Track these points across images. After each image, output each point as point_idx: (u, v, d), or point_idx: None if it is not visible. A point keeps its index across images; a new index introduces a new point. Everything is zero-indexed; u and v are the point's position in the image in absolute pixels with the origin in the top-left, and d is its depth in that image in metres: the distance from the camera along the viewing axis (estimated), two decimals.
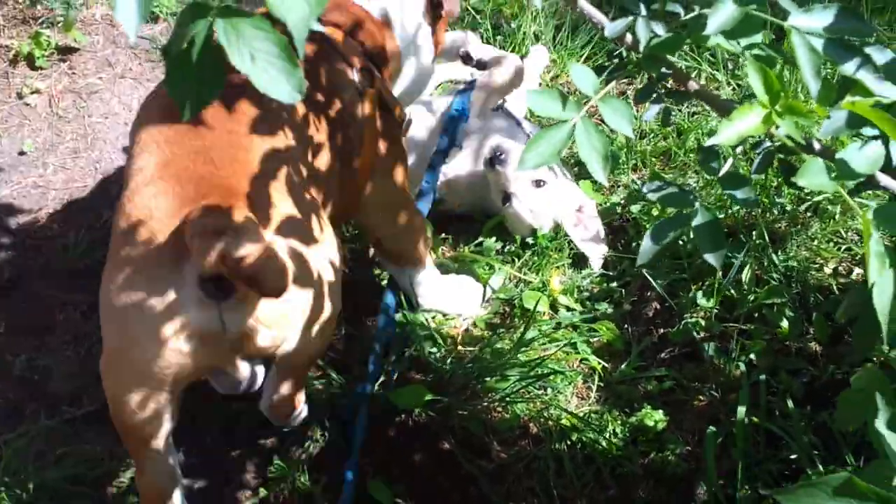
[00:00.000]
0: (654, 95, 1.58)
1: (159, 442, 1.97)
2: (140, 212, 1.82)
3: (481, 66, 3.09)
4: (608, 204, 3.00)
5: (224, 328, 1.80)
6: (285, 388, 2.17)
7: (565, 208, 2.82)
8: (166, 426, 1.95)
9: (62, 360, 2.64)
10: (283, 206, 1.89)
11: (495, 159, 2.76)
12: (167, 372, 1.83)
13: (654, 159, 3.12)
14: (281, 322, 1.89)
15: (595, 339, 2.64)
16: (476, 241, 2.87)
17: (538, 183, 2.78)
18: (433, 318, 2.65)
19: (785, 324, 2.56)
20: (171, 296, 1.75)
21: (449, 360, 2.55)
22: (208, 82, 1.15)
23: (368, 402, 2.40)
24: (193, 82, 1.14)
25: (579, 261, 2.84)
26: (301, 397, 2.25)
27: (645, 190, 1.56)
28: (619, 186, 3.08)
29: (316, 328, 1.99)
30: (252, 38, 1.08)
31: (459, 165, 2.90)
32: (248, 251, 1.65)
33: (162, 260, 1.77)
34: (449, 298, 2.69)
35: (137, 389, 1.86)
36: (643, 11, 1.40)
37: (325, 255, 1.98)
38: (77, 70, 3.54)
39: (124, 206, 1.86)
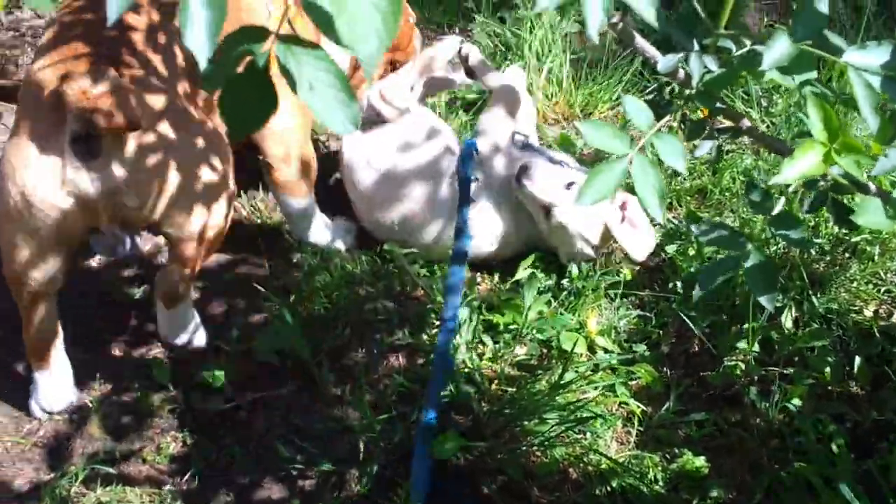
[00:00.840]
0: (706, 131, 1.55)
1: (46, 294, 2.29)
2: (36, 81, 2.14)
3: (472, 73, 3.10)
4: None
5: (93, 187, 2.09)
6: (172, 268, 2.42)
7: (608, 205, 2.76)
8: (53, 280, 2.24)
9: None
10: (156, 88, 2.20)
11: (522, 175, 2.72)
12: (48, 224, 2.12)
13: (688, 198, 3.08)
14: (145, 187, 2.16)
15: (633, 382, 2.60)
16: (513, 280, 2.83)
17: (569, 185, 2.75)
18: (470, 358, 2.61)
19: (827, 368, 2.49)
20: (51, 155, 2.08)
21: (486, 403, 2.50)
22: (262, 105, 1.14)
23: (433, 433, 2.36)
24: (247, 106, 1.13)
25: (615, 300, 2.79)
26: (189, 295, 2.55)
27: (694, 231, 1.52)
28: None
29: (191, 203, 2.25)
30: (312, 67, 1.07)
31: (502, 219, 2.86)
32: (105, 87, 2.00)
33: (45, 123, 2.09)
34: (326, 232, 2.93)
35: (24, 242, 2.16)
36: (695, 47, 1.37)
37: (201, 141, 2.24)
38: None
39: (28, 75, 2.22)
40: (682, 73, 1.42)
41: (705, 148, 1.60)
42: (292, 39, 1.09)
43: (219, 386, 2.57)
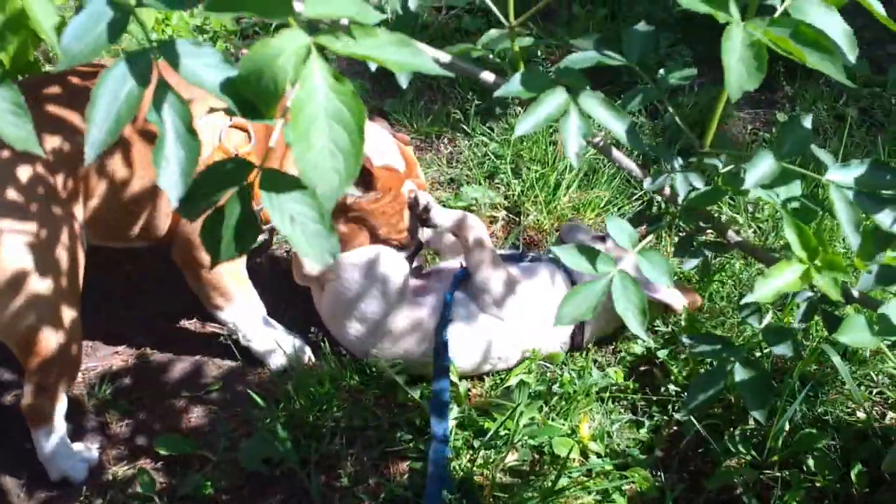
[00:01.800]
0: (694, 247, 1.59)
1: None
2: None
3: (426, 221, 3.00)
4: (633, 351, 2.98)
5: None
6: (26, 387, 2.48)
7: None
8: None
9: None
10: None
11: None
12: None
13: None
14: None
15: (628, 487, 2.58)
16: (505, 385, 2.84)
17: (603, 238, 2.95)
18: (461, 465, 2.60)
19: (825, 471, 2.50)
20: None
21: None
22: (245, 234, 1.19)
23: None
24: (228, 234, 1.18)
25: (606, 403, 2.80)
26: (52, 418, 2.52)
27: (685, 342, 1.55)
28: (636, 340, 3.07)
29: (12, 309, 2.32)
30: (291, 201, 1.12)
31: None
32: None
33: None
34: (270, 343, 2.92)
35: None
36: (678, 165, 1.42)
37: (32, 243, 2.30)
38: None
39: None
40: (667, 190, 1.46)
41: (693, 263, 1.64)
42: (275, 175, 1.14)
43: (205, 497, 2.54)
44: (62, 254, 2.39)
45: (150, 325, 3.13)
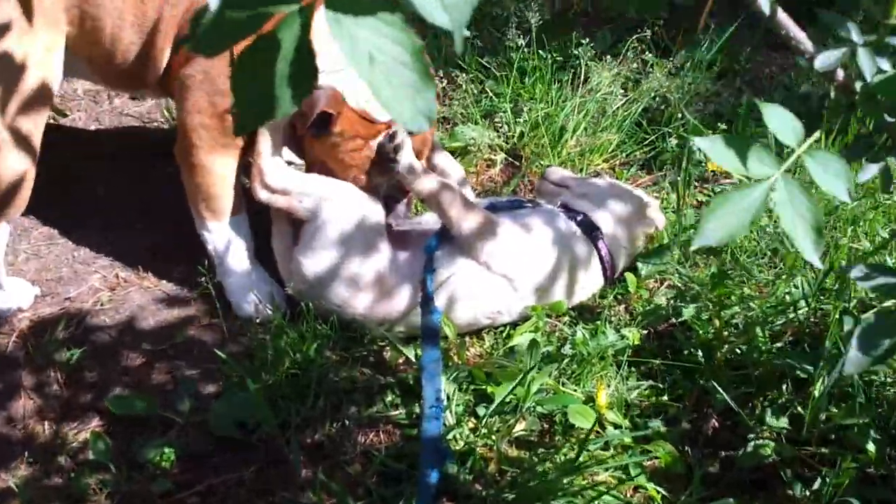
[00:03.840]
0: (872, 150, 1.30)
1: None
2: None
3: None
4: (651, 305, 2.73)
5: None
6: None
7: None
8: None
9: None
10: None
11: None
12: None
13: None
14: None
15: (649, 462, 2.34)
16: (508, 346, 2.58)
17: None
18: (461, 434, 2.34)
19: (871, 447, 2.27)
20: None
21: (482, 486, 2.24)
22: (296, 83, 0.86)
23: None
24: (270, 83, 0.84)
25: (622, 368, 2.55)
26: None
27: (852, 276, 1.27)
28: (662, 284, 2.83)
29: None
30: (371, 30, 0.79)
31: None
32: None
33: None
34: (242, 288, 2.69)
35: None
36: (860, 40, 1.13)
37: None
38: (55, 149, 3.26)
39: None
40: (840, 74, 1.18)
41: (870, 172, 1.35)
42: None
43: (167, 465, 2.27)
44: (30, 76, 2.40)
45: (120, 257, 2.85)
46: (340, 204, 2.57)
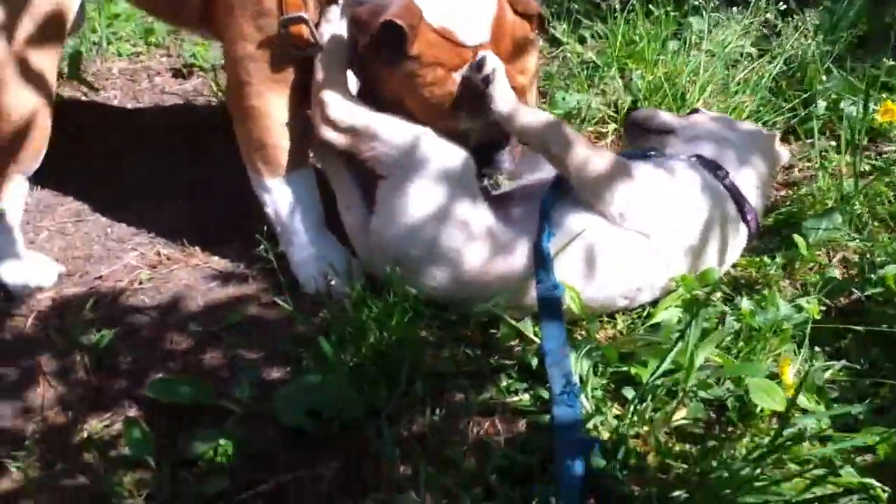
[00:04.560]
0: None
1: None
2: None
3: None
4: (826, 275, 2.22)
5: None
6: None
7: None
8: None
9: None
10: None
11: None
12: None
13: None
14: None
15: (861, 458, 1.80)
16: (649, 323, 2.07)
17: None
18: (603, 422, 1.82)
19: None
20: None
21: (638, 485, 1.71)
22: None
23: None
24: None
25: (803, 346, 2.02)
26: None
27: None
28: (833, 256, 2.32)
29: None
30: None
31: None
32: None
33: None
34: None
35: None
36: None
37: None
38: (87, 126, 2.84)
39: None
40: None
41: None
42: None
43: (223, 460, 1.77)
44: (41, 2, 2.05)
45: (162, 234, 2.42)
46: (425, 154, 2.08)
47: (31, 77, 2.08)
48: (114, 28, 3.33)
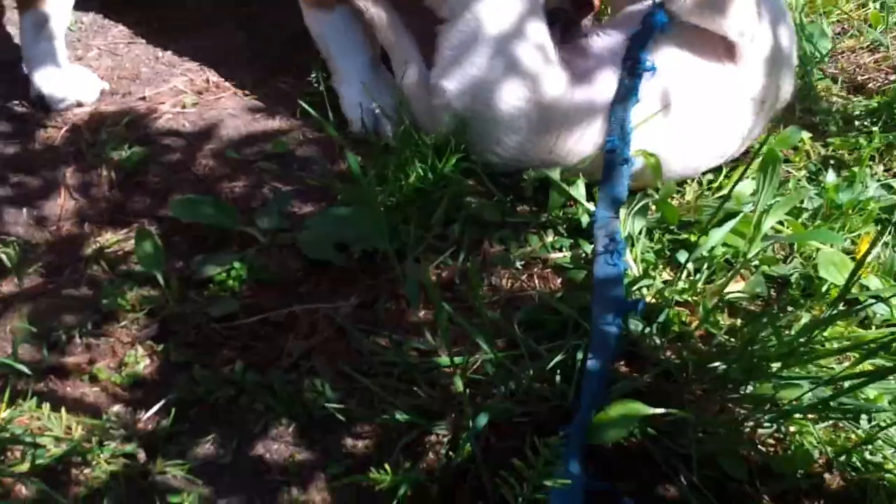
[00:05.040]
0: None
1: None
2: None
3: None
4: None
5: None
6: None
7: None
8: None
9: None
10: None
11: None
12: None
13: None
14: None
15: None
16: (717, 195, 1.90)
17: None
18: (651, 287, 1.67)
19: None
20: None
21: (678, 353, 1.56)
22: None
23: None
24: None
25: (890, 229, 1.83)
26: None
27: None
28: None
29: None
30: None
31: None
32: None
33: None
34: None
35: None
36: None
37: None
38: None
39: None
40: None
41: None
42: None
43: (234, 284, 1.68)
44: None
45: (214, 63, 2.32)
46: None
47: None
48: None
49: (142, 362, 1.57)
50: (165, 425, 1.47)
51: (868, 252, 1.43)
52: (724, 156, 1.93)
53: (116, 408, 1.50)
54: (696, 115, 1.86)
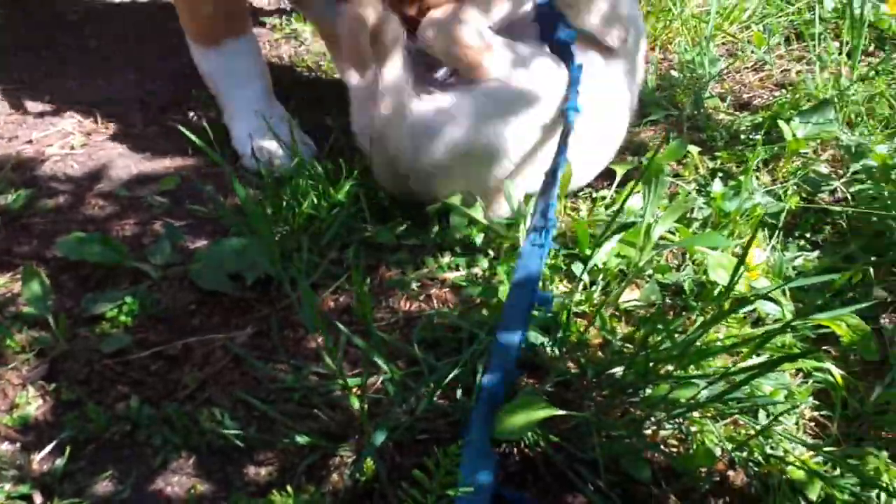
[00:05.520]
0: None
1: None
2: None
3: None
4: (811, 167, 2.06)
5: None
6: None
7: None
8: None
9: None
10: None
11: None
12: None
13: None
14: None
15: (824, 346, 1.66)
16: (613, 208, 1.93)
17: None
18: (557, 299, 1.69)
19: None
20: None
21: (579, 357, 1.58)
22: None
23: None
24: None
25: (774, 236, 1.88)
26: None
27: None
28: (823, 152, 2.16)
29: None
30: None
31: None
32: None
33: None
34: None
35: None
36: None
37: None
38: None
39: None
40: None
41: None
42: None
43: (126, 320, 1.65)
44: None
45: (104, 103, 2.29)
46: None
47: None
48: None
49: (33, 403, 1.53)
50: (60, 465, 1.43)
51: (748, 249, 1.46)
52: (610, 157, 1.96)
53: (8, 448, 1.46)
54: (596, 115, 1.88)
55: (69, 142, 2.14)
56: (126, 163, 2.09)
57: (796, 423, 1.52)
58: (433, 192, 1.82)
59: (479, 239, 1.83)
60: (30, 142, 2.15)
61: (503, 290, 1.70)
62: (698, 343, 1.48)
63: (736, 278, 1.47)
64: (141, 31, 2.60)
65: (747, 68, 2.59)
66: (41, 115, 2.26)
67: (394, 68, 1.76)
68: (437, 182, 1.80)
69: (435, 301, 1.74)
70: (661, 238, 1.78)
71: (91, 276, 1.77)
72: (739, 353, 1.59)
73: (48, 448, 1.46)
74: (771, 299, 1.71)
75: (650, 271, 1.78)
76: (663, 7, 2.66)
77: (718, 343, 1.56)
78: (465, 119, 1.75)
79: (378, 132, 1.77)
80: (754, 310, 1.69)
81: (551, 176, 1.72)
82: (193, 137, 1.82)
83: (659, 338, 1.51)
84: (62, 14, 2.65)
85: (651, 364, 1.47)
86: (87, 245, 1.79)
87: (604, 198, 2.00)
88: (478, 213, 1.86)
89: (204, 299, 1.72)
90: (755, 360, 1.53)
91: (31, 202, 1.94)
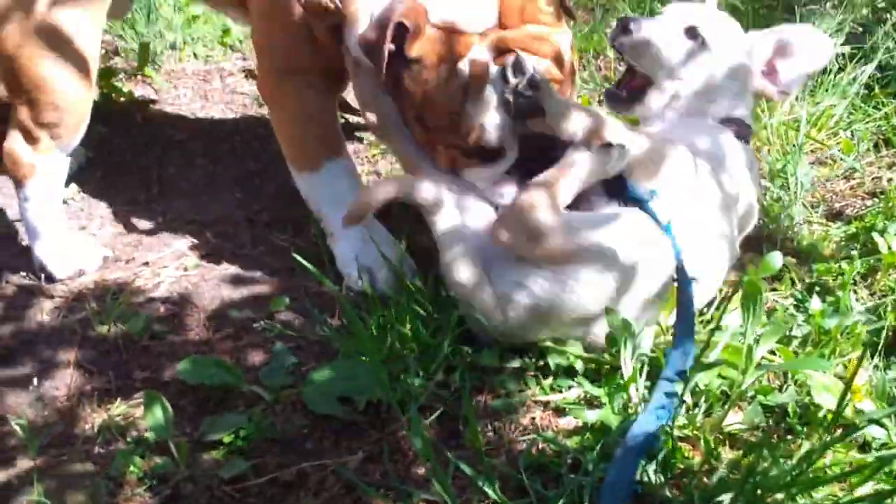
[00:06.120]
0: None
1: None
2: None
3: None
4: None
5: None
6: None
7: None
8: None
9: None
10: None
11: None
12: None
13: None
14: None
15: None
16: (710, 327, 1.95)
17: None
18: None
19: None
20: None
21: (687, 488, 1.59)
22: None
23: None
24: None
25: (879, 353, 1.88)
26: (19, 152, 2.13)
27: None
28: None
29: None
30: None
31: None
32: None
33: None
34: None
35: None
36: None
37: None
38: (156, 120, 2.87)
39: None
40: None
41: None
42: None
43: (243, 444, 1.71)
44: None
45: (213, 224, 2.40)
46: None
47: (71, 49, 2.08)
48: (191, 31, 3.36)
49: None
50: None
51: (854, 375, 1.47)
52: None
53: None
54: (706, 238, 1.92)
55: (183, 263, 2.24)
56: (237, 284, 2.17)
57: None
58: (527, 340, 1.88)
59: (578, 364, 1.86)
60: (146, 263, 2.24)
61: (605, 414, 1.72)
62: (806, 471, 1.49)
63: (842, 408, 1.47)
64: (244, 150, 2.71)
65: (837, 176, 2.61)
66: (154, 233, 2.35)
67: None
68: (528, 335, 1.86)
69: (539, 424, 1.77)
70: (763, 358, 1.80)
71: (208, 400, 1.84)
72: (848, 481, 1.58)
73: None
74: (877, 422, 1.70)
75: (752, 392, 1.79)
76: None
77: (827, 470, 1.56)
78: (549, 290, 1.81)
79: (462, 297, 1.84)
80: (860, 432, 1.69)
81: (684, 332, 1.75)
82: (304, 262, 1.89)
83: (766, 464, 1.52)
84: (170, 135, 2.78)
85: (759, 493, 1.48)
86: (204, 368, 1.86)
87: (703, 313, 2.02)
88: (576, 348, 1.89)
89: (316, 422, 1.78)
90: (866, 488, 1.53)
91: (149, 325, 2.02)
